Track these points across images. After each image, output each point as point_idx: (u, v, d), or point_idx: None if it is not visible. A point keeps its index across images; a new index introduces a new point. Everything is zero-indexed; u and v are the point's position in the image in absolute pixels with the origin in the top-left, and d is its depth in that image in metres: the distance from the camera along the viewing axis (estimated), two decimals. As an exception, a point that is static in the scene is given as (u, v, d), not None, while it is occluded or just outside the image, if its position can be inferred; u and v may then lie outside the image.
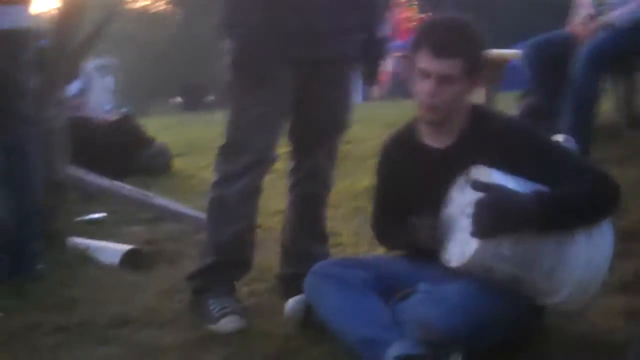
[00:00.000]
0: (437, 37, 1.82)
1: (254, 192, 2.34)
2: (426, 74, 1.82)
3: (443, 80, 1.81)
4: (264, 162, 2.32)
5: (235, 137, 2.30)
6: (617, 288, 2.31)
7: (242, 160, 2.27)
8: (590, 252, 1.76)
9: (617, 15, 3.59)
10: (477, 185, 1.72)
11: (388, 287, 1.91)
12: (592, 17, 3.69)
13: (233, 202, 2.30)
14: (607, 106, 4.05)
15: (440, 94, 1.82)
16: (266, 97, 2.23)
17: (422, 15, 15.73)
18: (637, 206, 2.85)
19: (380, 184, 2.14)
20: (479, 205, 1.69)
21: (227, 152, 2.32)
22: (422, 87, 1.83)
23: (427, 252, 1.89)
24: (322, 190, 2.49)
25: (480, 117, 1.92)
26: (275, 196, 2.97)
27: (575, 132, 3.40)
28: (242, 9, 2.21)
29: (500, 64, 4.47)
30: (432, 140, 1.95)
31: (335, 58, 2.30)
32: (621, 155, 3.53)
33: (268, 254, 2.72)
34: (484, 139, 1.86)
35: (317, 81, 2.29)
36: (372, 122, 5.43)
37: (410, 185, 2.00)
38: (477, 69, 1.86)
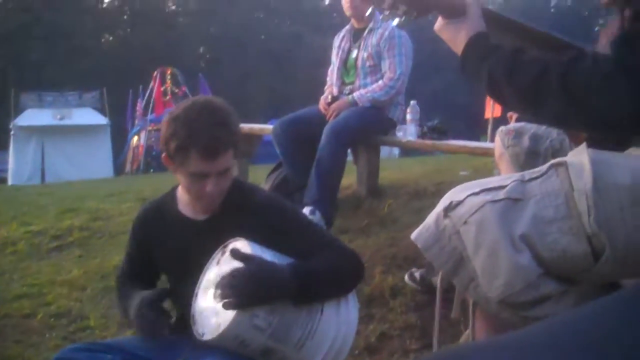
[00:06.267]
0: (205, 140, 1.78)
1: None
2: (203, 175, 1.82)
3: (221, 174, 1.84)
4: None
5: None
6: (362, 350, 2.45)
7: None
8: (338, 321, 1.83)
9: (358, 95, 3.93)
10: (236, 255, 1.73)
11: (139, 369, 1.83)
12: (335, 98, 4.01)
13: None
14: (350, 178, 4.34)
15: (221, 186, 1.85)
16: None
17: (177, 90, 15.86)
18: (378, 272, 3.06)
19: (132, 253, 2.06)
20: (236, 275, 1.70)
21: None
22: (202, 188, 1.83)
23: (181, 327, 1.85)
24: None
25: (238, 190, 1.95)
26: (17, 280, 2.74)
27: (320, 204, 3.60)
28: None
29: (254, 139, 4.63)
30: (192, 211, 1.95)
31: None
32: (363, 224, 3.78)
33: (7, 344, 2.48)
34: (242, 212, 1.90)
35: None
36: (123, 196, 5.27)
37: (168, 257, 1.97)
38: (238, 147, 1.91)
